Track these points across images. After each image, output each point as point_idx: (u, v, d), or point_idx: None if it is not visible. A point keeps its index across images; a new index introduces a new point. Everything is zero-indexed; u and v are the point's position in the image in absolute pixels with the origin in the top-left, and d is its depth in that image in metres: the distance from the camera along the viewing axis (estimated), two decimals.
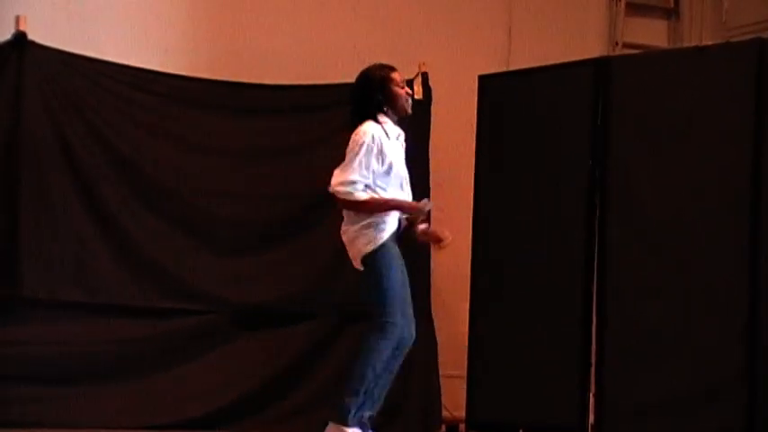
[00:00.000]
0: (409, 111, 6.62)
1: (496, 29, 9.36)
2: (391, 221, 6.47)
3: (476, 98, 8.23)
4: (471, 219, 8.20)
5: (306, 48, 8.72)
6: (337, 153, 8.36)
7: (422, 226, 6.67)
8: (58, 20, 8.12)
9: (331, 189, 6.44)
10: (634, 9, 9.80)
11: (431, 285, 8.55)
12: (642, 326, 7.44)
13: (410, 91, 6.67)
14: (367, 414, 6.36)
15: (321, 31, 8.85)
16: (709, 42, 7.93)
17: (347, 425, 6.27)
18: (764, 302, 7.04)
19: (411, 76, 8.48)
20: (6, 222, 7.73)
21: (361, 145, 6.38)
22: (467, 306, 8.14)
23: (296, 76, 8.43)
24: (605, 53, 9.14)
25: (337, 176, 6.43)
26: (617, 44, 9.64)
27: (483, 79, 8.25)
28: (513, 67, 8.77)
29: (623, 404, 7.46)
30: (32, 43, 7.80)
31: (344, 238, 6.50)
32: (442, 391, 8.46)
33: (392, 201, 6.46)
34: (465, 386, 8.11)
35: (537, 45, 9.20)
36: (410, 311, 6.44)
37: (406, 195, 6.56)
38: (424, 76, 8.51)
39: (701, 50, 7.61)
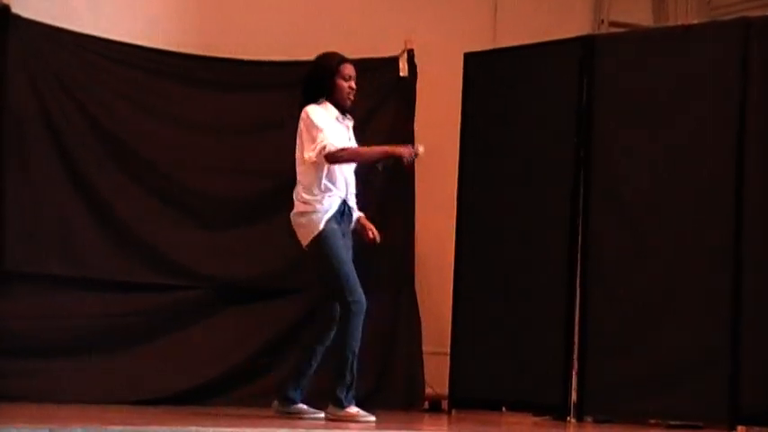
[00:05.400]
0: (347, 103, 6.85)
1: (482, 6, 9.35)
2: (331, 205, 6.70)
3: (461, 75, 8.22)
4: (456, 196, 8.19)
5: (292, 24, 8.69)
6: None
7: (361, 215, 6.90)
8: None
9: (311, 157, 6.66)
10: None
11: (414, 262, 8.55)
12: (625, 304, 7.46)
13: (353, 86, 6.86)
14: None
15: (307, 7, 8.82)
16: (695, 21, 7.92)
17: (344, 406, 6.64)
18: (748, 277, 7.07)
19: (397, 54, 8.49)
20: None
21: (312, 123, 6.69)
22: (450, 283, 8.14)
23: (282, 51, 8.40)
24: (591, 31, 9.14)
25: (309, 149, 6.69)
26: (603, 22, 9.63)
27: (468, 57, 8.24)
28: (498, 45, 8.77)
29: (606, 382, 7.48)
30: (16, 17, 7.75)
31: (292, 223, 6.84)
32: (425, 368, 8.47)
33: (370, 150, 6.86)
34: (448, 363, 8.12)
35: (523, 23, 9.18)
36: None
37: (348, 175, 6.79)
38: (410, 53, 8.51)
39: (686, 29, 7.62)
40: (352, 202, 6.85)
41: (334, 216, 6.72)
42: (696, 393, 7.12)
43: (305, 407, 6.83)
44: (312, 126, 6.69)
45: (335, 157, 6.67)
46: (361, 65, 8.34)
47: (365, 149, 6.85)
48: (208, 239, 8.14)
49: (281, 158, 8.25)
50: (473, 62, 8.21)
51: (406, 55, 8.49)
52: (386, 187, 8.40)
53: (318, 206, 6.70)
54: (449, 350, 8.15)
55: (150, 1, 8.50)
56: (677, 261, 7.29)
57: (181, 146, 8.13)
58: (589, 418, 7.60)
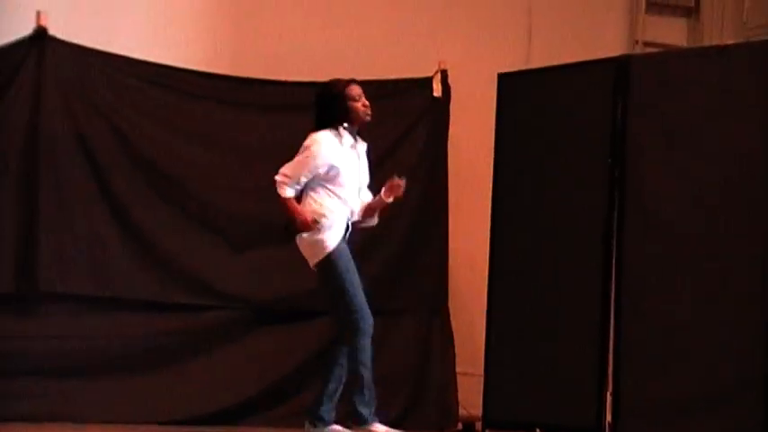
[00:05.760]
0: (367, 119, 6.87)
1: (516, 27, 9.34)
2: (337, 226, 6.76)
3: (495, 96, 8.21)
4: (490, 217, 8.18)
5: (324, 45, 8.71)
6: None
7: (384, 193, 6.88)
8: (77, 14, 8.13)
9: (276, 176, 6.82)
10: (654, 8, 9.77)
11: (448, 282, 8.54)
12: (660, 325, 7.42)
13: (366, 103, 6.87)
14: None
15: (339, 29, 8.84)
16: (730, 42, 7.88)
17: (369, 423, 6.67)
18: None
19: (430, 74, 8.50)
20: (24, 217, 7.75)
21: (307, 149, 6.77)
22: (484, 304, 8.13)
23: (313, 73, 8.42)
24: (625, 52, 9.11)
25: (281, 170, 6.84)
26: (637, 43, 9.61)
27: (502, 77, 8.22)
28: (532, 66, 8.76)
29: (640, 404, 7.43)
30: (52, 39, 7.82)
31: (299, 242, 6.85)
32: (459, 389, 8.45)
33: (295, 209, 6.78)
34: (482, 384, 8.10)
35: (556, 43, 9.18)
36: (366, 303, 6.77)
37: (358, 200, 6.86)
38: (444, 74, 8.52)
39: (721, 50, 7.58)
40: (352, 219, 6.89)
41: (342, 235, 6.78)
42: (733, 415, 7.06)
43: (339, 427, 6.82)
44: (302, 153, 6.78)
45: (279, 197, 6.79)
46: (394, 86, 8.45)
47: (292, 207, 6.78)
48: (239, 260, 8.15)
49: None
50: (507, 83, 8.19)
51: (439, 76, 8.50)
52: (419, 207, 8.42)
53: (328, 224, 6.74)
54: (482, 371, 8.12)
55: (183, 23, 8.55)
56: (713, 279, 7.24)
57: (212, 166, 8.16)
58: None
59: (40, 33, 7.80)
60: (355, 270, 6.76)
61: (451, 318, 8.51)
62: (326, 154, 6.75)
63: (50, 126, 7.82)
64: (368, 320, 6.69)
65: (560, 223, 7.89)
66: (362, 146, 6.92)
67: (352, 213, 6.85)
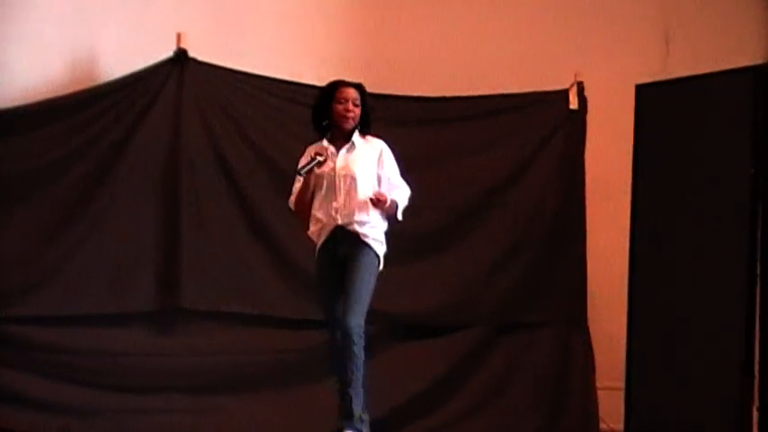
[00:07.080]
0: (347, 124, 6.93)
1: (652, 36, 9.24)
2: (318, 235, 6.88)
3: (632, 107, 8.14)
4: (629, 229, 8.10)
5: (462, 59, 8.72)
6: (488, 164, 8.43)
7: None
8: (216, 33, 8.27)
9: None
10: None
11: (587, 294, 8.47)
12: None
13: (349, 108, 6.91)
14: None
15: (477, 43, 8.84)
16: None
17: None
18: None
19: (566, 86, 8.46)
20: (168, 235, 7.90)
21: None
22: (624, 316, 8.04)
23: (451, 87, 8.45)
24: (766, 60, 8.95)
25: None
26: None
27: (640, 88, 8.15)
28: (669, 76, 8.64)
29: None
30: (192, 60, 7.96)
31: None
32: (600, 402, 8.36)
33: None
34: (622, 398, 8.01)
35: (694, 52, 9.05)
36: (335, 312, 6.79)
37: (349, 200, 6.84)
38: (579, 86, 8.48)
39: None
40: (357, 225, 6.85)
41: (323, 246, 6.86)
42: None
43: None
44: None
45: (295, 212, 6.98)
46: (531, 98, 8.43)
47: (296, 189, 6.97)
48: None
49: (448, 193, 8.30)
50: (645, 93, 8.11)
51: (575, 87, 8.46)
52: (556, 219, 8.37)
53: (315, 234, 6.90)
54: (623, 385, 8.03)
55: (318, 41, 8.63)
56: None
57: None
58: None
59: (181, 55, 7.95)
60: (329, 279, 6.83)
61: (592, 330, 8.44)
62: (299, 166, 6.89)
63: (191, 145, 7.97)
64: (333, 333, 6.79)
65: (702, 236, 7.77)
66: (366, 146, 6.97)
67: (334, 218, 6.84)
